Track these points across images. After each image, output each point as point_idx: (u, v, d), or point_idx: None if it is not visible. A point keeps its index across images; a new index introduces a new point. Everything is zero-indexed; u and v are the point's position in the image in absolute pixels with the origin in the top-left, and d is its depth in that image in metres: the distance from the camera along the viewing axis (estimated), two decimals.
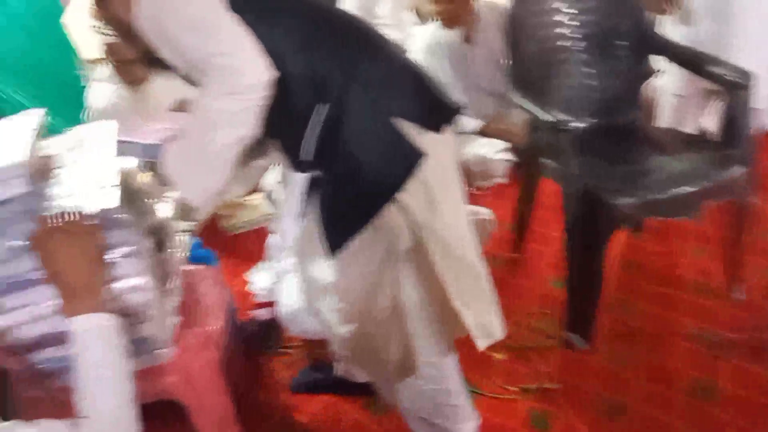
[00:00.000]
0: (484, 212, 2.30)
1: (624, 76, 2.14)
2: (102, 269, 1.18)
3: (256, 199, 2.97)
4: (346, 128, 1.26)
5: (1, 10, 3.52)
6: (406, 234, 1.32)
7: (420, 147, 1.28)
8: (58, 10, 3.64)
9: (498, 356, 2.07)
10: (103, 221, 1.18)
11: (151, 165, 1.37)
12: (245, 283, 2.53)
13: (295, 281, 2.18)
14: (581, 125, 1.87)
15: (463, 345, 1.56)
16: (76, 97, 3.34)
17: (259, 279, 2.48)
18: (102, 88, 2.66)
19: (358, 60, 1.29)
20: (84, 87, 3.32)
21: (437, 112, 1.37)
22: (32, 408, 1.43)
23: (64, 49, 3.67)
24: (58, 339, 1.29)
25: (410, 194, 1.30)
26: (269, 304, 2.35)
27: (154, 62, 1.44)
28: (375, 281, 1.37)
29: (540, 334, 2.16)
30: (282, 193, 2.37)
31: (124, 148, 1.31)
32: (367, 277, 1.38)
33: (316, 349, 2.11)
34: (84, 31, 3.11)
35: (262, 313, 2.32)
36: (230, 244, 2.82)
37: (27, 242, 1.16)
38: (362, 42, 1.35)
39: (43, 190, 1.25)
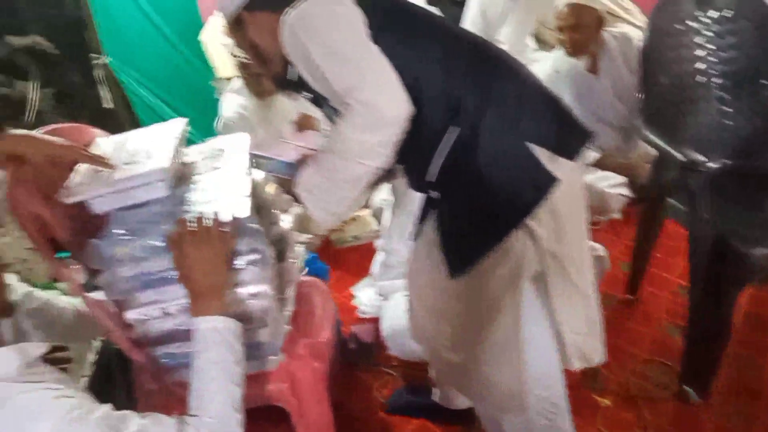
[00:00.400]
0: (599, 248, 2.22)
1: (765, 117, 2.00)
2: (229, 274, 1.23)
3: (365, 214, 3.02)
4: (478, 150, 1.25)
5: (147, 20, 3.81)
6: (533, 260, 1.30)
7: (552, 173, 1.26)
8: (198, 24, 3.90)
9: (604, 402, 1.98)
10: (235, 229, 1.24)
11: (281, 180, 1.43)
12: (349, 296, 2.57)
13: (401, 301, 2.20)
14: (715, 166, 1.76)
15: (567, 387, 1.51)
16: (210, 107, 3.56)
17: (363, 295, 2.52)
18: (233, 99, 2.81)
19: (492, 83, 1.29)
20: (217, 98, 3.53)
21: (570, 139, 1.34)
22: (147, 399, 1.51)
23: (202, 60, 3.93)
24: (181, 336, 1.36)
25: (539, 220, 1.28)
26: (372, 321, 2.38)
27: (283, 83, 1.49)
28: (494, 307, 1.35)
29: (651, 382, 2.04)
30: (390, 211, 2.40)
31: (259, 161, 1.37)
32: (486, 302, 1.36)
33: (415, 371, 2.10)
34: (220, 50, 3.31)
35: (364, 329, 2.34)
36: (337, 257, 2.87)
37: (164, 242, 1.24)
38: (496, 64, 1.34)
39: (182, 194, 1.33)
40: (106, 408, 0.96)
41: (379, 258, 2.43)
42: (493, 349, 1.38)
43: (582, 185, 1.42)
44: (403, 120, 1.21)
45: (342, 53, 1.20)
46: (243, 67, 2.71)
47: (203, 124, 3.07)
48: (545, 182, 1.25)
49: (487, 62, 1.33)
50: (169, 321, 1.34)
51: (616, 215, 2.89)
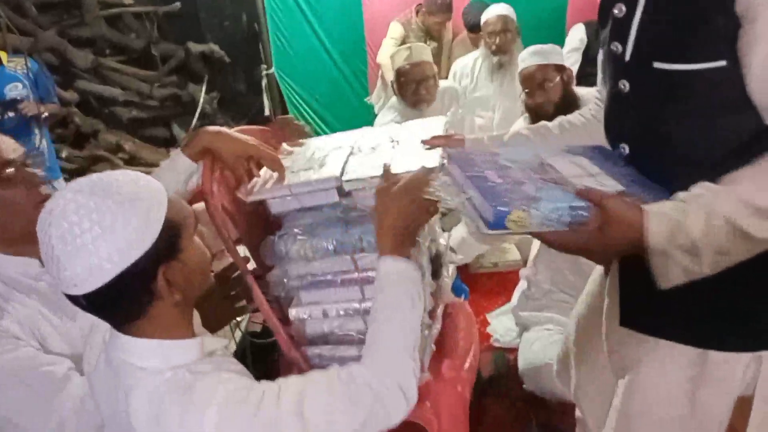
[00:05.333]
0: None
1: None
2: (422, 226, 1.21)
3: (507, 243, 2.98)
4: None
5: (315, 39, 4.05)
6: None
7: None
8: (362, 48, 4.09)
9: None
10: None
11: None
12: (483, 323, 2.53)
13: (541, 336, 2.13)
14: None
15: None
16: (361, 125, 3.74)
17: (499, 323, 2.47)
18: (387, 113, 2.88)
19: None
20: (370, 119, 3.68)
21: None
22: None
23: (359, 81, 4.12)
24: (334, 339, 1.39)
25: None
26: (506, 350, 2.33)
27: None
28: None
29: None
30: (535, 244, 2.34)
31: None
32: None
33: (551, 410, 2.02)
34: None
35: (496, 358, 2.30)
36: (473, 281, 2.85)
37: (333, 245, 1.29)
38: None
39: (354, 203, 1.37)
40: (267, 383, 0.97)
41: (520, 287, 2.38)
42: None
43: None
44: None
45: None
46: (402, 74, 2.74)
47: None
48: None
49: None
50: (327, 323, 1.38)
51: None
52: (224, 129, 1.36)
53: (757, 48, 0.88)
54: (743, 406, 1.14)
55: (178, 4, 4.20)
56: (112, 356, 0.98)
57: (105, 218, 0.86)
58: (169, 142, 4.62)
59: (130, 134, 4.34)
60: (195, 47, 4.33)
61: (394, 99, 2.94)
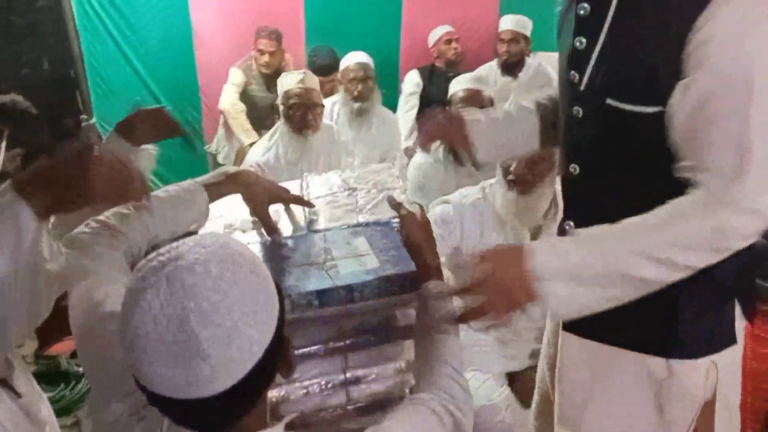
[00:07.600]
0: None
1: None
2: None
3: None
4: None
5: (142, 85, 3.72)
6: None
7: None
8: (195, 93, 3.88)
9: None
10: None
11: None
12: None
13: (473, 380, 2.08)
14: None
15: None
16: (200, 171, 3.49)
17: None
18: (261, 143, 2.70)
19: None
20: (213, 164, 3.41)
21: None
22: None
23: (195, 127, 3.87)
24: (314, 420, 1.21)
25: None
26: None
27: None
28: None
29: None
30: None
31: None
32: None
33: None
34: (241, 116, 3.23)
35: None
36: None
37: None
38: None
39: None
40: None
41: None
42: None
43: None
44: None
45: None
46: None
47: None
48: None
49: None
50: (306, 400, 1.19)
51: None
52: (251, 172, 1.32)
53: (686, 98, 0.94)
54: (706, 412, 1.18)
55: None
56: None
57: (245, 292, 0.68)
58: None
59: None
60: None
61: (275, 128, 2.70)
